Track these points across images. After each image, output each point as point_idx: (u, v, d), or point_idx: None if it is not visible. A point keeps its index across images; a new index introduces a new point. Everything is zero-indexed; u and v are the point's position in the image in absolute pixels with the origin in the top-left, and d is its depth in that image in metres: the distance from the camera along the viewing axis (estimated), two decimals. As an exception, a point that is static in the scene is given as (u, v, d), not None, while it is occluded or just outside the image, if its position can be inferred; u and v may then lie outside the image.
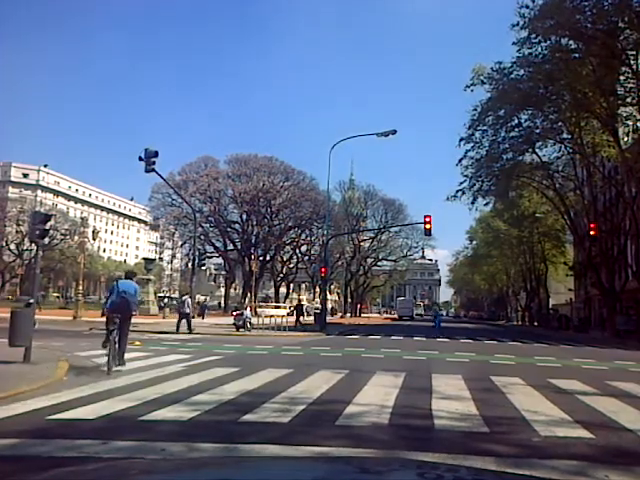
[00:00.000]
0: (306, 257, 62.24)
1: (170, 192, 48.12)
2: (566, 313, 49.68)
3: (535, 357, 15.10)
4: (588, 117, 31.53)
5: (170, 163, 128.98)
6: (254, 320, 25.84)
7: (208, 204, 52.59)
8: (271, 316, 29.26)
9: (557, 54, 28.89)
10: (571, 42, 29.56)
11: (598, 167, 36.34)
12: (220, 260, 63.49)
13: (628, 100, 28.95)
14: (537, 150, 35.42)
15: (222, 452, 4.43)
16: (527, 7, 27.84)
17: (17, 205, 63.19)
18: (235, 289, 69.10)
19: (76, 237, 53.19)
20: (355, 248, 64.84)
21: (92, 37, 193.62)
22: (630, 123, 30.88)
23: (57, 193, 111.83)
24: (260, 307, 44.17)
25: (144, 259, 55.81)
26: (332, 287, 76.79)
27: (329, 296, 63.55)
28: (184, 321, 21.45)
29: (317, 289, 65.67)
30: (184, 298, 22.70)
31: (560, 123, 33.48)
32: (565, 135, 34.95)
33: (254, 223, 54.72)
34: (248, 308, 27.91)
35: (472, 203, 35.90)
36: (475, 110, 33.25)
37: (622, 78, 28.76)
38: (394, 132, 28.25)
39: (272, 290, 68.41)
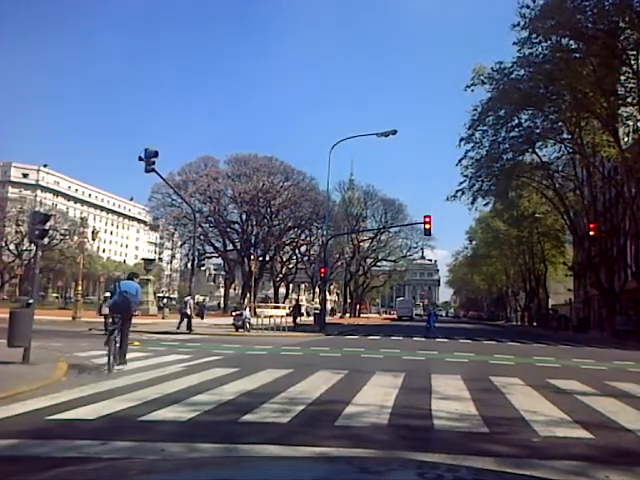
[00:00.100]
0: (305, 257, 62.19)
1: (170, 192, 48.16)
2: (565, 313, 49.65)
3: (534, 357, 15.10)
4: (588, 117, 31.54)
5: (170, 163, 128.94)
6: (253, 320, 25.82)
7: (208, 204, 52.58)
8: (270, 316, 29.24)
9: (558, 54, 28.90)
10: (572, 42, 29.58)
11: (598, 167, 36.34)
12: (220, 260, 63.45)
13: (628, 100, 28.97)
14: (537, 150, 35.44)
15: (222, 452, 4.43)
16: (528, 7, 27.91)
17: (17, 205, 63.06)
18: (234, 289, 69.01)
19: (75, 237, 53.08)
20: (355, 248, 64.77)
21: (92, 37, 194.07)
22: (630, 123, 30.94)
23: (57, 193, 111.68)
24: (259, 307, 44.14)
25: (143, 259, 55.78)
26: (331, 287, 76.83)
27: (328, 296, 63.60)
28: (184, 321, 21.68)
29: (316, 289, 65.66)
30: (186, 299, 23.06)
31: (560, 123, 33.49)
32: (565, 135, 34.94)
33: (254, 223, 54.69)
34: (247, 308, 27.92)
35: (472, 203, 36.02)
36: (475, 110, 33.28)
37: (622, 78, 28.79)
38: (394, 132, 28.27)
39: (271, 290, 68.42)
